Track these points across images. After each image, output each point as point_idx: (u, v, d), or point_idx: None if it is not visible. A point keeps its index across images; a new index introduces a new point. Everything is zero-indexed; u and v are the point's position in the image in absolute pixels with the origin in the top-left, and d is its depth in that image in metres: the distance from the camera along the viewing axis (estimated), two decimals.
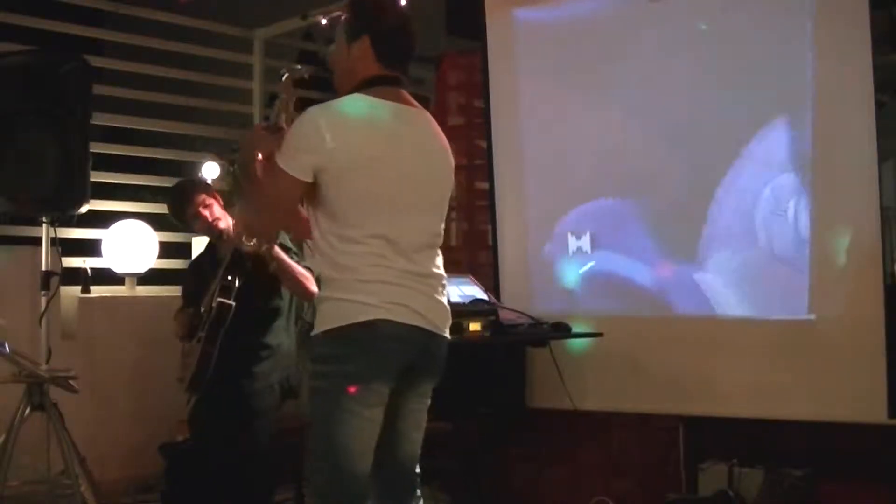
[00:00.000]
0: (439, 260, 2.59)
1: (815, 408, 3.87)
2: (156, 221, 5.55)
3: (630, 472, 4.36)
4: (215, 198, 3.99)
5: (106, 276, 5.33)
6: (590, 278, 4.47)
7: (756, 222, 4.05)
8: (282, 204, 2.47)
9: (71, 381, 3.81)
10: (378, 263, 2.39)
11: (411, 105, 2.54)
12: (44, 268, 4.19)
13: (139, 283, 5.39)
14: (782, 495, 3.83)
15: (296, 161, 2.38)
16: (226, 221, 3.94)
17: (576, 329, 4.07)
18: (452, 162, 2.64)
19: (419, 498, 2.63)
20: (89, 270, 5.08)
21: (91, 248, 5.29)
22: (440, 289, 2.56)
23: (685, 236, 4.23)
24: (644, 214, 4.32)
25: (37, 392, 3.77)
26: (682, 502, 4.09)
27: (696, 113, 4.20)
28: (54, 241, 4.16)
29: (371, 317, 2.36)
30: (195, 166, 5.63)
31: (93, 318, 5.07)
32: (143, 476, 5.02)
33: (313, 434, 2.43)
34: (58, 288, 4.24)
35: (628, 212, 4.37)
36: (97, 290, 5.16)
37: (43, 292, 4.15)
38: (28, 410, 3.75)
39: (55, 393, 3.82)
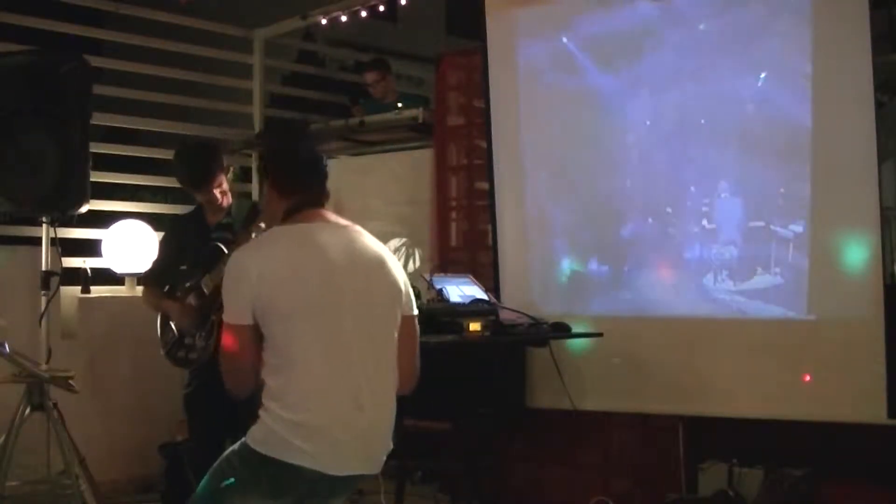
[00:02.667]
0: (385, 384, 2.56)
1: (815, 408, 3.87)
2: (156, 221, 5.55)
3: (630, 472, 4.36)
4: (224, 174, 3.99)
5: (106, 276, 5.33)
6: (589, 278, 4.47)
7: (756, 222, 4.05)
8: (234, 356, 2.50)
9: (71, 381, 3.80)
10: (311, 404, 2.43)
11: (331, 222, 2.60)
12: (44, 268, 4.18)
13: (139, 283, 5.39)
14: (782, 495, 3.83)
15: (232, 310, 2.48)
16: (228, 198, 3.95)
17: (576, 329, 4.07)
18: (393, 270, 2.62)
19: None
20: (89, 270, 5.09)
21: (91, 248, 5.29)
22: (381, 430, 2.55)
23: (685, 236, 4.23)
24: (644, 214, 4.33)
25: (37, 392, 3.76)
26: (682, 502, 4.09)
27: (696, 113, 4.20)
28: (54, 241, 4.16)
29: (291, 460, 2.41)
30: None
31: (93, 318, 5.08)
32: (143, 476, 5.02)
33: (200, 493, 2.54)
34: (58, 288, 4.24)
35: (628, 211, 4.37)
36: (97, 290, 5.17)
37: (43, 292, 4.15)
38: (28, 410, 3.75)
39: (55, 393, 3.82)
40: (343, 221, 2.63)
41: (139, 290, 5.35)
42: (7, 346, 3.65)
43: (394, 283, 2.61)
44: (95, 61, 4.78)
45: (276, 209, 2.62)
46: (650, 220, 4.32)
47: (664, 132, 4.27)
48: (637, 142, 4.33)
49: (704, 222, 4.18)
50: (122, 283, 5.35)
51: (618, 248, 4.41)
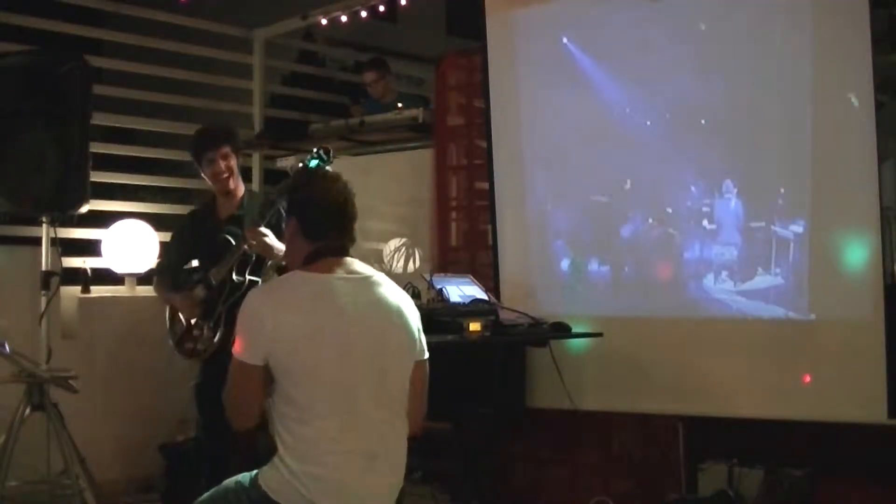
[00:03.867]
0: (398, 433, 2.58)
1: (815, 408, 3.87)
2: (156, 221, 5.55)
3: (630, 472, 4.36)
4: (237, 156, 4.01)
5: (106, 276, 5.33)
6: (589, 278, 4.47)
7: (756, 222, 4.05)
8: (241, 392, 2.51)
9: (71, 381, 3.81)
10: (324, 455, 2.44)
11: (353, 273, 2.59)
12: (44, 268, 4.18)
13: (139, 283, 5.39)
14: (782, 495, 3.83)
15: (244, 347, 2.48)
16: (235, 182, 3.97)
17: (576, 329, 4.07)
18: (411, 320, 2.63)
19: None
20: (89, 270, 5.08)
21: (91, 248, 5.29)
22: (392, 478, 2.57)
23: (685, 236, 4.23)
24: (644, 214, 4.33)
25: (37, 392, 3.77)
26: (682, 502, 4.09)
27: (696, 113, 4.20)
28: (54, 241, 4.16)
29: None
30: (195, 166, 5.62)
31: (93, 318, 5.08)
32: (143, 476, 5.02)
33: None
34: (58, 288, 4.24)
35: (628, 211, 4.37)
36: (97, 290, 5.16)
37: (43, 292, 4.14)
38: (28, 410, 3.75)
39: (55, 393, 3.82)
40: (364, 271, 2.63)
41: (139, 289, 5.38)
42: (7, 346, 3.66)
43: (409, 335, 2.62)
44: (95, 61, 4.78)
45: (300, 251, 2.62)
46: (650, 220, 4.32)
47: (664, 132, 4.27)
48: (637, 142, 4.32)
49: (705, 222, 4.18)
50: (122, 283, 5.35)
51: (618, 248, 4.41)
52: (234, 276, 3.80)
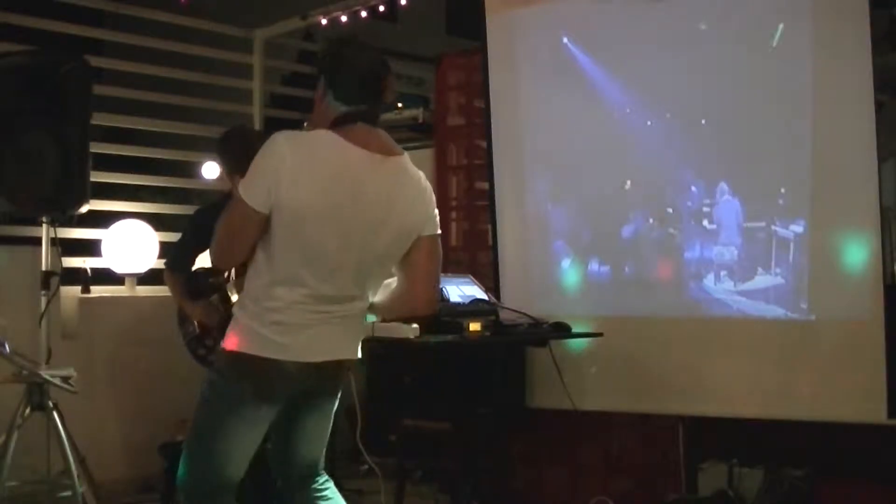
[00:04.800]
0: (360, 283, 2.57)
1: (815, 408, 3.87)
2: (156, 221, 5.55)
3: (630, 472, 4.36)
4: None
5: (106, 276, 5.33)
6: (590, 278, 4.47)
7: (756, 222, 4.05)
8: (236, 234, 2.51)
9: (71, 381, 3.81)
10: (290, 311, 2.46)
11: (383, 152, 2.56)
12: (44, 268, 4.18)
13: (139, 283, 5.39)
14: (782, 495, 3.83)
15: (253, 189, 2.44)
16: None
17: (576, 329, 4.06)
18: (425, 206, 2.62)
19: (324, 480, 2.76)
20: (89, 270, 5.08)
21: (91, 248, 5.29)
22: (353, 317, 2.60)
23: (686, 236, 4.23)
24: (644, 214, 4.33)
25: (37, 392, 3.77)
26: (682, 502, 4.09)
27: (696, 113, 4.20)
28: (54, 241, 4.16)
29: (270, 355, 2.46)
30: (195, 166, 5.63)
31: (93, 318, 5.08)
32: (143, 476, 5.02)
33: (194, 426, 2.57)
34: (58, 288, 4.24)
35: (628, 211, 4.37)
36: (97, 290, 5.16)
37: (43, 292, 4.14)
38: (28, 410, 3.76)
39: (55, 393, 3.82)
40: (389, 147, 2.58)
41: (139, 289, 5.38)
42: (7, 346, 3.66)
43: (423, 211, 2.59)
44: (95, 61, 4.78)
45: (327, 114, 2.54)
46: (651, 220, 4.32)
47: (664, 132, 4.27)
48: (637, 142, 4.32)
49: (705, 222, 4.18)
50: (122, 283, 5.35)
51: (618, 249, 4.40)
52: None
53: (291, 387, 2.54)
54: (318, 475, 2.76)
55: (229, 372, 2.52)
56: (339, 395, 2.75)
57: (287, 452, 2.71)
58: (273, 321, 2.46)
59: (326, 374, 2.59)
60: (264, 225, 2.45)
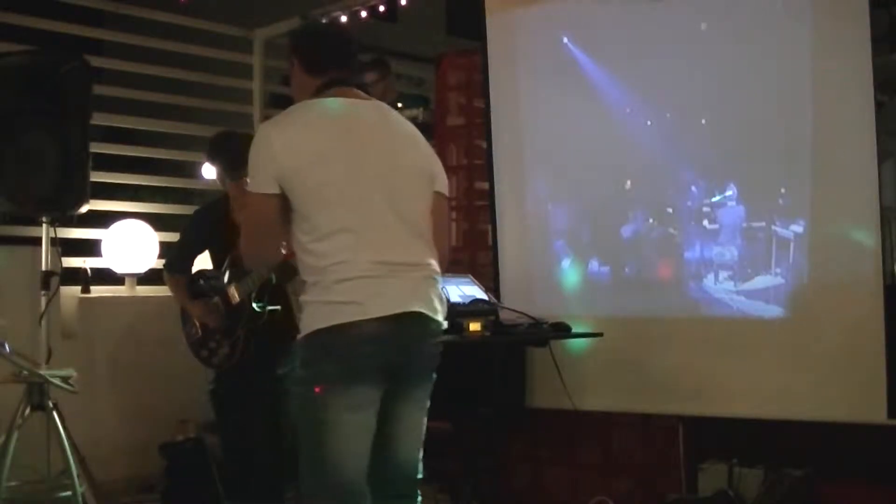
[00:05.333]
0: (422, 250, 2.54)
1: (815, 408, 3.87)
2: (156, 221, 5.56)
3: (630, 472, 4.36)
4: None
5: (106, 276, 5.33)
6: (590, 278, 4.47)
7: (756, 222, 4.05)
8: (258, 223, 2.50)
9: (70, 381, 3.81)
10: (346, 259, 2.40)
11: (362, 99, 2.59)
12: (44, 268, 4.18)
13: (139, 283, 5.40)
14: (782, 495, 3.82)
15: (256, 178, 2.46)
16: None
17: (576, 329, 4.07)
18: (423, 148, 2.64)
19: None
20: (89, 270, 5.09)
21: (91, 248, 5.29)
22: (423, 279, 2.52)
23: (686, 236, 4.23)
24: (644, 214, 4.33)
25: (37, 392, 3.77)
26: (682, 502, 4.08)
27: (696, 113, 4.20)
28: (54, 241, 4.16)
29: (342, 319, 2.37)
30: (195, 166, 5.63)
31: (93, 318, 5.08)
32: (143, 476, 5.02)
33: (301, 439, 2.46)
34: (58, 288, 4.24)
35: (628, 211, 4.37)
36: (97, 290, 5.16)
37: (43, 292, 4.14)
38: (28, 410, 3.75)
39: (55, 393, 3.82)
40: (373, 101, 2.61)
41: (139, 289, 5.38)
42: (7, 346, 3.66)
43: (422, 158, 2.61)
44: (95, 61, 4.78)
45: (306, 89, 2.59)
46: (651, 220, 4.32)
47: (664, 132, 4.27)
48: (637, 142, 4.32)
49: (705, 222, 4.18)
50: (122, 283, 5.35)
51: (618, 249, 4.40)
52: (255, 304, 3.79)
53: (375, 354, 2.40)
54: (415, 498, 2.61)
55: (309, 359, 2.43)
56: (432, 383, 2.61)
57: (383, 459, 2.51)
58: (334, 280, 2.38)
59: (410, 335, 2.46)
60: (283, 210, 2.45)
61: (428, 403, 2.62)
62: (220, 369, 3.92)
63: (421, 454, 2.62)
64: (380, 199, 2.47)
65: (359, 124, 2.52)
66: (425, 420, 2.61)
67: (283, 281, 3.79)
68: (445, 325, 2.60)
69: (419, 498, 2.62)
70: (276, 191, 2.43)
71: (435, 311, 2.54)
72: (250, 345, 3.78)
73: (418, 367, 2.56)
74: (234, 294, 3.84)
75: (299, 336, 2.45)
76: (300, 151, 2.43)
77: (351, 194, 2.44)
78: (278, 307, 3.79)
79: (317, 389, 2.40)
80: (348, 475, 2.41)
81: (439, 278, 2.59)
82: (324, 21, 2.78)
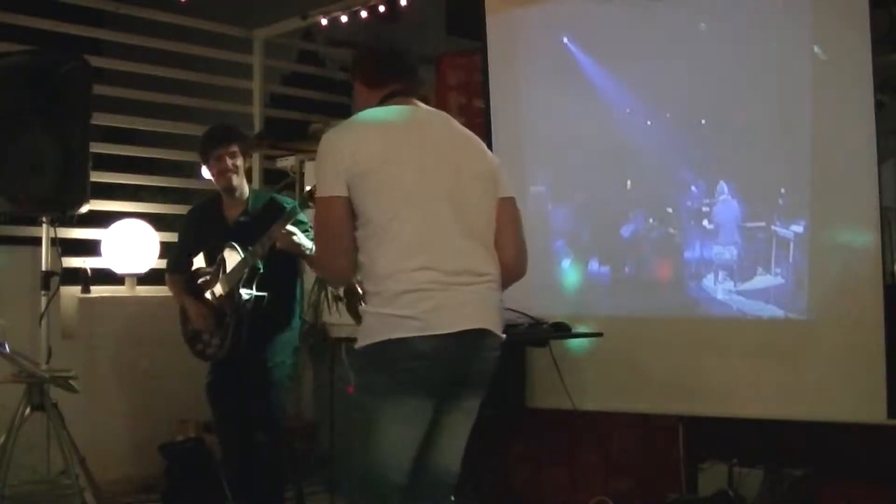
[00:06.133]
0: (484, 258, 2.53)
1: (815, 408, 3.87)
2: (156, 221, 5.56)
3: (630, 472, 4.36)
4: (244, 156, 4.04)
5: (106, 276, 5.33)
6: (590, 278, 4.47)
7: (756, 222, 4.05)
8: (327, 226, 2.47)
9: (71, 381, 3.81)
10: (407, 268, 2.39)
11: (424, 106, 2.63)
12: (44, 268, 4.19)
13: (139, 283, 5.40)
14: (782, 495, 3.82)
15: (324, 183, 2.45)
16: (239, 181, 4.00)
17: (576, 329, 4.06)
18: (487, 155, 2.65)
19: None
20: (89, 270, 5.09)
21: (91, 248, 5.29)
22: (485, 291, 2.50)
23: (685, 236, 4.23)
24: (644, 214, 4.33)
25: (37, 392, 3.77)
26: (682, 502, 4.08)
27: (696, 113, 4.20)
28: (54, 241, 4.16)
29: (400, 334, 2.36)
30: (195, 166, 5.63)
31: (93, 318, 5.08)
32: (143, 476, 5.03)
33: (347, 442, 2.54)
34: (58, 288, 4.24)
35: (628, 211, 4.37)
36: (97, 290, 5.16)
37: (43, 292, 4.15)
38: (28, 410, 3.75)
39: (55, 393, 3.82)
40: (435, 110, 2.67)
41: (139, 289, 5.39)
42: (7, 346, 3.66)
43: (485, 164, 2.61)
44: (95, 61, 4.79)
45: (369, 103, 2.62)
46: (650, 220, 4.32)
47: (664, 132, 4.27)
48: (637, 141, 4.32)
49: (705, 222, 4.18)
50: (122, 283, 5.35)
51: (618, 249, 4.40)
52: (243, 291, 3.80)
53: (431, 371, 2.39)
54: (450, 499, 2.62)
55: (363, 368, 2.45)
56: (485, 392, 2.60)
57: (424, 465, 2.51)
58: (394, 292, 2.37)
59: (468, 352, 2.44)
60: (352, 213, 2.44)
61: (477, 409, 2.62)
62: (213, 360, 3.94)
63: (461, 459, 2.63)
64: (444, 205, 2.47)
65: (422, 130, 2.54)
66: (471, 426, 2.62)
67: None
68: (504, 336, 2.58)
69: (452, 499, 2.64)
70: (345, 193, 2.43)
71: (496, 324, 2.54)
72: (240, 334, 3.80)
73: (475, 381, 2.56)
74: (223, 285, 3.87)
75: (357, 343, 2.45)
76: (366, 154, 2.43)
77: (416, 199, 2.44)
78: (264, 294, 3.80)
79: (372, 399, 2.42)
80: (386, 481, 2.43)
81: (499, 288, 2.58)
82: (381, 35, 2.81)
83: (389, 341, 2.36)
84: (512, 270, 2.63)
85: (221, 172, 3.96)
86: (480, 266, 2.50)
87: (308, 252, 3.68)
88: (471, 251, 2.49)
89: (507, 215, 2.62)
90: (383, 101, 2.60)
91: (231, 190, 3.99)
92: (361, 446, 2.44)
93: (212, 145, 3.96)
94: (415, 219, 2.43)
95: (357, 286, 2.70)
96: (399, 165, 2.45)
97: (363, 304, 2.50)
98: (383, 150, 2.45)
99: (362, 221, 2.44)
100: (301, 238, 3.67)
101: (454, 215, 2.47)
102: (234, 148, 3.96)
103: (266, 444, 3.85)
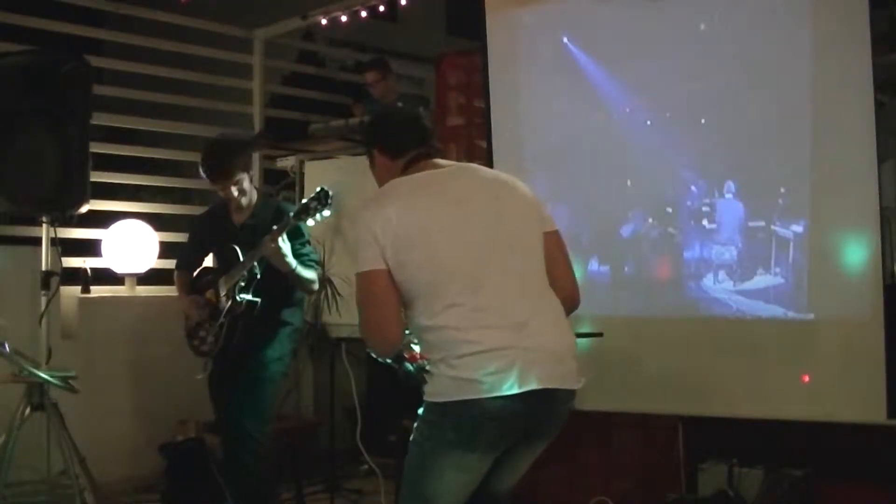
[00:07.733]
0: (548, 302, 2.56)
1: (815, 408, 3.87)
2: (156, 221, 5.56)
3: (630, 472, 4.36)
4: (247, 172, 4.01)
5: (106, 276, 5.33)
6: (589, 278, 4.47)
7: (756, 222, 4.05)
8: (370, 297, 2.47)
9: (71, 381, 3.81)
10: (466, 332, 2.40)
11: (447, 166, 2.64)
12: (44, 268, 4.19)
13: (139, 283, 5.40)
14: (782, 495, 3.83)
15: (362, 259, 2.46)
16: (248, 198, 3.98)
17: (576, 329, 4.04)
18: (523, 192, 2.67)
19: None
20: (89, 270, 5.09)
21: (91, 248, 5.29)
22: (547, 331, 2.51)
23: (685, 236, 4.23)
24: (644, 213, 4.32)
25: (37, 392, 3.78)
26: (682, 502, 4.09)
27: (696, 113, 4.20)
28: (54, 241, 4.17)
29: (466, 396, 2.37)
30: (195, 166, 5.63)
31: (93, 318, 5.08)
32: (143, 476, 5.03)
33: (406, 477, 2.51)
34: (58, 288, 4.24)
35: (628, 210, 4.37)
36: (97, 290, 5.17)
37: (43, 292, 4.15)
38: (28, 410, 3.76)
39: (55, 393, 3.83)
40: (459, 164, 2.69)
41: (139, 289, 5.39)
42: (7, 346, 3.66)
43: (526, 203, 2.63)
44: (95, 61, 4.79)
45: (392, 172, 2.64)
46: (650, 219, 4.32)
47: (664, 132, 4.27)
48: (637, 141, 4.32)
49: (704, 222, 4.17)
50: (122, 283, 5.36)
51: (618, 248, 4.40)
52: (237, 294, 3.83)
53: (498, 430, 2.42)
54: None
55: (431, 420, 2.46)
56: (556, 435, 2.62)
57: (480, 493, 2.55)
58: (456, 355, 2.38)
59: (537, 414, 2.47)
60: (394, 285, 2.44)
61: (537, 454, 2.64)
62: (209, 356, 3.97)
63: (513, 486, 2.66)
64: (492, 259, 2.47)
65: (453, 189, 2.54)
66: (535, 457, 2.65)
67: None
68: (580, 384, 2.59)
69: None
70: (384, 266, 2.44)
71: (566, 375, 2.55)
72: (234, 333, 3.84)
73: (545, 433, 2.59)
74: (221, 287, 3.91)
75: (426, 397, 2.47)
76: (400, 227, 2.43)
77: (460, 263, 2.45)
78: (257, 300, 3.82)
79: (436, 447, 2.45)
80: None
81: (570, 332, 2.60)
82: (385, 107, 2.85)
83: (457, 402, 2.39)
84: (574, 300, 2.71)
85: (227, 200, 3.98)
86: (542, 311, 2.53)
87: (294, 270, 3.74)
88: (529, 301, 2.51)
89: (558, 249, 2.69)
90: (406, 168, 2.61)
91: (238, 205, 4.00)
92: (419, 482, 2.48)
93: (210, 178, 3.93)
94: (464, 285, 2.43)
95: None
96: (436, 235, 2.45)
97: (426, 365, 2.48)
98: (417, 221, 2.46)
99: (409, 297, 2.46)
100: (290, 257, 3.72)
101: (505, 269, 2.49)
102: (229, 182, 3.90)
103: (252, 437, 3.84)
